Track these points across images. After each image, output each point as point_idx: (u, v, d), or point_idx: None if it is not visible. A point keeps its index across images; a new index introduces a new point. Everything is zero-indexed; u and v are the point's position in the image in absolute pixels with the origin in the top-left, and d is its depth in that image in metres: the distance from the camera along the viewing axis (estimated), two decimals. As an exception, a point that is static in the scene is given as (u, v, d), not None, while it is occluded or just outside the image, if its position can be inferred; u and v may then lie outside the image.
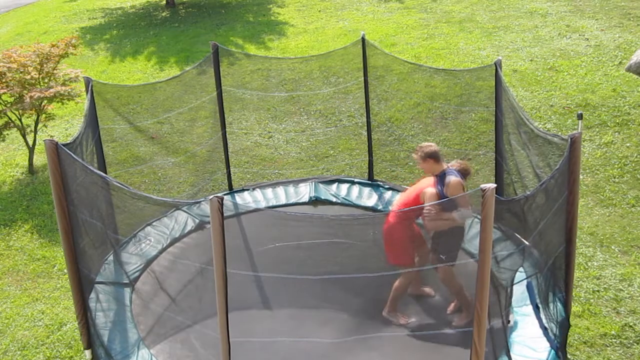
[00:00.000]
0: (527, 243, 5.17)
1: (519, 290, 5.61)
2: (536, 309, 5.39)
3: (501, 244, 5.59)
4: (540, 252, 5.20)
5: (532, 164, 5.51)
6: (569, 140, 4.65)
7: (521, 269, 5.47)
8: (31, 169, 8.80)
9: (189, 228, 6.90)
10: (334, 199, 7.44)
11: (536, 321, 5.32)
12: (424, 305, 5.78)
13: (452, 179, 5.40)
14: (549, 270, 5.18)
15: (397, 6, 14.62)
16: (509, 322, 5.25)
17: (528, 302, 5.53)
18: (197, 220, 6.98)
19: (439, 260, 5.48)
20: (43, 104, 8.52)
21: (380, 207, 7.20)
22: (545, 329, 5.20)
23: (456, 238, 5.49)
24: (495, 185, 3.95)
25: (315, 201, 7.43)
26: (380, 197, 7.40)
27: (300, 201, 7.44)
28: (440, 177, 5.48)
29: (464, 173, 5.61)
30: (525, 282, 5.64)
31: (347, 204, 7.38)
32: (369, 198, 7.45)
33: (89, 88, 6.13)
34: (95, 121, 6.33)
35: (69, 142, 4.95)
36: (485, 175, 7.86)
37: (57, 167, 4.73)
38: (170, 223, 6.93)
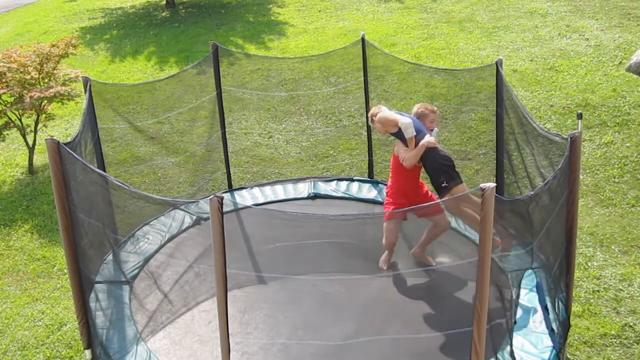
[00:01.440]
0: (529, 242, 5.17)
1: (527, 289, 5.61)
2: (545, 309, 5.38)
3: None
4: (545, 252, 5.20)
5: (536, 163, 5.51)
6: (569, 139, 4.64)
7: (529, 268, 5.47)
8: (31, 169, 8.80)
9: (186, 225, 6.91)
10: (334, 194, 7.45)
11: (543, 321, 5.32)
12: (425, 306, 5.77)
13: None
14: (555, 271, 5.18)
15: (397, 6, 14.63)
16: (515, 322, 5.24)
17: (535, 301, 5.53)
18: (194, 217, 6.99)
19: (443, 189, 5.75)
20: (43, 104, 8.52)
21: (380, 200, 7.18)
22: (552, 330, 5.20)
23: (441, 158, 5.76)
24: (495, 184, 3.95)
25: (314, 196, 7.44)
26: (380, 191, 7.39)
27: (299, 196, 7.44)
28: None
29: (419, 115, 6.06)
30: (534, 281, 5.63)
31: (347, 197, 7.39)
32: (369, 192, 7.45)
33: (87, 88, 6.13)
34: (94, 121, 6.33)
35: (68, 141, 4.94)
36: (485, 176, 7.86)
37: (58, 166, 4.73)
38: (168, 221, 6.93)
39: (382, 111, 6.05)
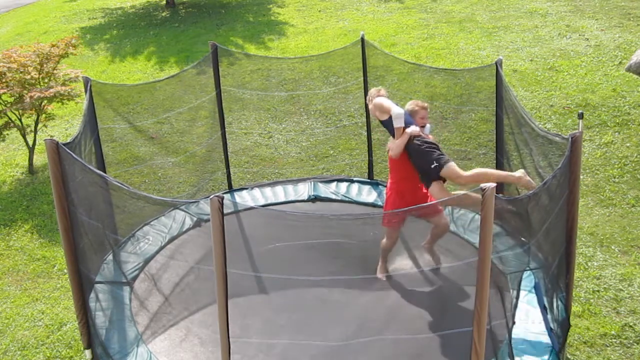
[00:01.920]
0: (525, 241, 5.17)
1: (526, 290, 5.60)
2: (544, 310, 5.38)
3: (506, 243, 5.59)
4: (544, 251, 5.20)
5: (535, 164, 5.51)
6: (570, 139, 4.64)
7: (527, 268, 5.47)
8: (31, 169, 8.80)
9: (187, 227, 6.91)
10: (334, 197, 7.44)
11: (542, 321, 5.32)
12: (425, 307, 5.77)
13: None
14: (554, 270, 5.18)
15: (397, 6, 14.62)
16: (514, 322, 5.24)
17: (531, 300, 5.53)
18: (195, 219, 6.98)
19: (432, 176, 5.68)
20: (43, 104, 8.52)
21: (380, 203, 7.18)
22: (550, 330, 5.20)
23: (426, 142, 5.71)
24: (495, 184, 3.95)
25: (314, 199, 7.43)
26: (380, 194, 7.39)
27: (300, 199, 7.43)
28: None
29: (410, 112, 5.95)
30: (533, 282, 5.63)
31: (347, 200, 7.38)
32: (369, 195, 7.45)
33: (88, 88, 6.13)
34: (94, 121, 6.33)
35: (68, 141, 4.94)
36: (485, 175, 7.86)
37: (57, 166, 4.73)
38: (168, 222, 6.93)
39: (381, 95, 6.08)
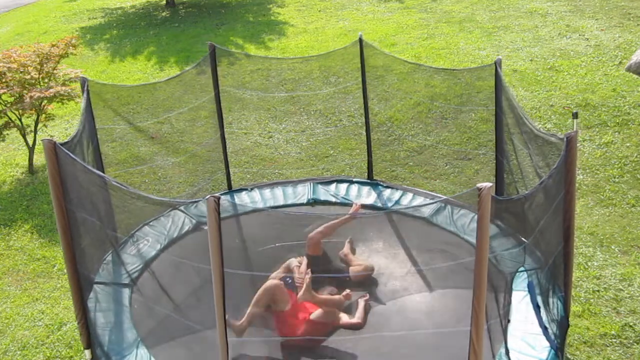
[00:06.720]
0: (525, 241, 5.17)
1: (520, 289, 5.60)
2: (537, 308, 5.38)
3: (501, 242, 5.59)
4: (541, 251, 5.20)
5: (533, 163, 5.52)
6: (565, 139, 4.64)
7: (522, 267, 5.47)
8: (31, 169, 8.81)
9: (186, 228, 6.88)
10: (333, 199, 7.40)
11: (536, 320, 5.32)
12: (424, 305, 5.78)
13: None
14: (549, 270, 5.18)
15: (397, 6, 14.63)
16: (509, 321, 5.24)
17: (529, 301, 5.52)
18: (194, 221, 6.95)
19: None
20: (43, 104, 8.53)
21: (379, 205, 7.17)
22: (545, 329, 5.19)
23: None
24: (491, 184, 3.95)
25: (314, 202, 7.37)
26: (379, 195, 7.37)
27: (298, 202, 7.38)
28: None
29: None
30: (526, 280, 5.63)
31: (346, 203, 7.36)
32: (368, 196, 7.43)
33: (85, 88, 6.13)
34: (92, 121, 6.33)
35: (66, 141, 4.94)
36: (485, 175, 7.87)
37: (55, 166, 4.73)
38: (167, 223, 6.91)
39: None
